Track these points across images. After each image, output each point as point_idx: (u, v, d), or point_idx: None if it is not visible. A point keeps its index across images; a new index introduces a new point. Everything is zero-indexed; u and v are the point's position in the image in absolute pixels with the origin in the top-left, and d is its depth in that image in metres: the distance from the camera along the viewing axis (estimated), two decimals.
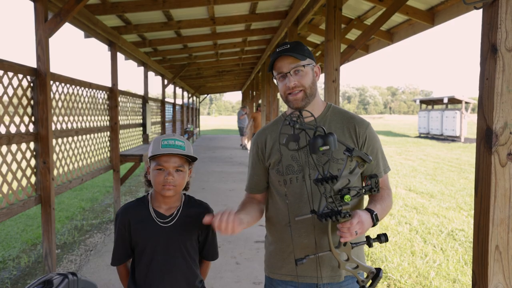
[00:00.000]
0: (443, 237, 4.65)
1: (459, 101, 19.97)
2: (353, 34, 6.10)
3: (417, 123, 26.27)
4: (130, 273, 1.58)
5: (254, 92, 15.36)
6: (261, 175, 1.58)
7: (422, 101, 24.67)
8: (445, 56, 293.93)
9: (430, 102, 23.87)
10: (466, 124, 19.81)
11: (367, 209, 1.36)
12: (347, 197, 1.20)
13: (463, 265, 3.78)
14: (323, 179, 1.17)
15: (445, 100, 20.87)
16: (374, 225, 1.34)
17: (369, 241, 1.30)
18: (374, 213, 1.34)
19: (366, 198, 1.56)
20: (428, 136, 22.49)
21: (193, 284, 1.56)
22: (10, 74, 2.95)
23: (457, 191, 7.34)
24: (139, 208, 1.55)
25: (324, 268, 1.43)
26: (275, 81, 1.49)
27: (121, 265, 1.61)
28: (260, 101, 13.28)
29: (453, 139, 19.65)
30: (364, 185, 1.34)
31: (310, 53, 1.45)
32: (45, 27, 3.17)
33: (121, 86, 5.82)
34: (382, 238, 1.28)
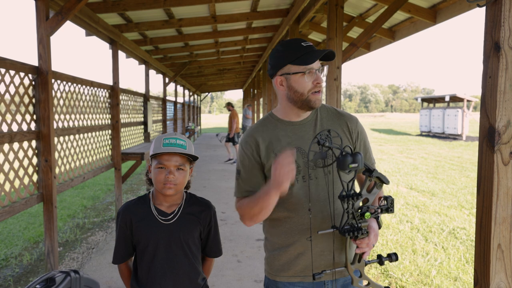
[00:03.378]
0: (445, 235, 4.65)
1: (461, 99, 19.92)
2: (355, 32, 6.09)
3: (418, 121, 26.23)
4: (133, 271, 1.58)
5: (255, 91, 15.35)
6: (259, 177, 1.48)
7: (423, 99, 24.62)
8: (447, 54, 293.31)
9: (431, 100, 23.82)
10: (468, 122, 19.76)
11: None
12: (367, 214, 1.24)
13: (465, 264, 3.78)
14: (347, 195, 1.23)
15: (447, 98, 20.82)
16: (379, 228, 1.38)
17: (381, 259, 1.33)
18: (379, 218, 1.36)
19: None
20: (429, 134, 22.44)
21: (195, 281, 1.56)
22: (12, 72, 2.96)
23: (458, 189, 7.32)
24: (140, 206, 1.55)
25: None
26: (290, 75, 1.37)
27: (122, 263, 1.61)
28: (261, 100, 13.18)
29: (454, 137, 19.61)
30: (380, 204, 1.38)
31: None
32: (47, 25, 3.17)
33: (122, 84, 5.82)
34: (393, 257, 1.32)
